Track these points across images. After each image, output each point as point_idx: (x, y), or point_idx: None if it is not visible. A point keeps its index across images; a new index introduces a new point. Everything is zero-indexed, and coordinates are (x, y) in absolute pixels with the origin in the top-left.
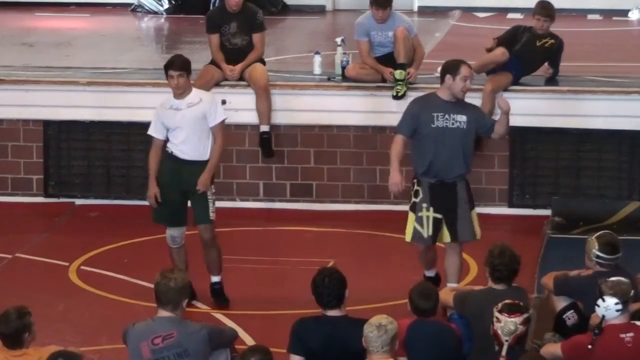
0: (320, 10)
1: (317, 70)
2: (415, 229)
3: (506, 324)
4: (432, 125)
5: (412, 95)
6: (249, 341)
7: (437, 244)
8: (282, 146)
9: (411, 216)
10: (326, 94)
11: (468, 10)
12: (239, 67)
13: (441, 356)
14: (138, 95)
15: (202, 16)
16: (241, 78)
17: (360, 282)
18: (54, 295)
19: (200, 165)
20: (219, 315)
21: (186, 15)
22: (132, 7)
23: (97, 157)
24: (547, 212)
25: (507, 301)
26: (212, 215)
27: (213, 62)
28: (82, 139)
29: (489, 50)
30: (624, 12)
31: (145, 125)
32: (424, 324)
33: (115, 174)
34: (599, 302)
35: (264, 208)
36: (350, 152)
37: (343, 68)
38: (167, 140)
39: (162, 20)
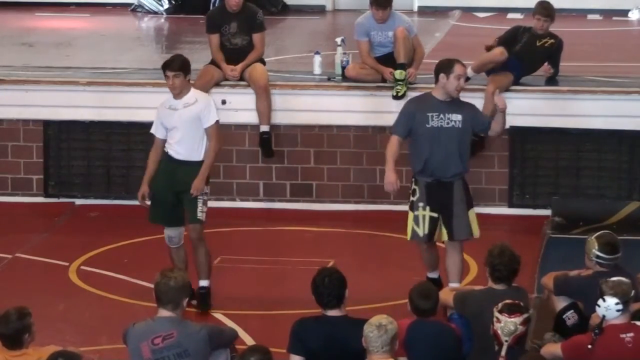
0: (320, 10)
1: (317, 70)
2: (413, 229)
3: (506, 324)
4: (427, 125)
5: (412, 95)
6: (249, 341)
7: (438, 244)
8: (282, 146)
9: (410, 215)
10: (326, 94)
11: (468, 10)
12: (239, 67)
13: (441, 356)
14: (138, 95)
15: (202, 16)
16: (241, 78)
17: (360, 282)
18: (54, 295)
19: (194, 166)
20: (219, 315)
21: (186, 15)
22: (132, 7)
23: (97, 157)
24: (547, 212)
25: (507, 301)
26: (200, 215)
27: (213, 62)
28: (82, 139)
29: (489, 47)
30: (624, 12)
31: (145, 125)
32: (424, 324)
33: (115, 174)
34: (600, 302)
35: (264, 208)
36: (350, 152)
37: (343, 68)
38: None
39: (162, 20)
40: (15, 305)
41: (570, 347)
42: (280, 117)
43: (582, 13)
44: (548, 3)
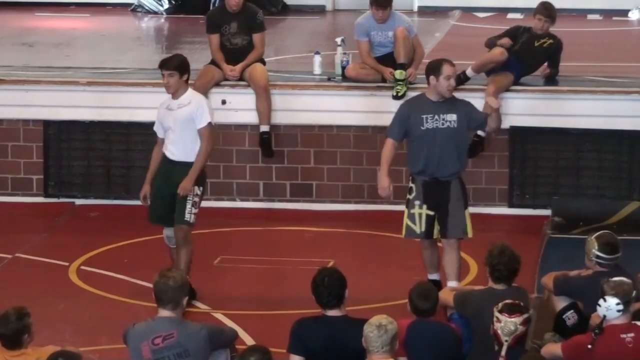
0: (320, 10)
1: (317, 70)
2: (407, 225)
3: (506, 324)
4: (422, 128)
5: (412, 95)
6: (249, 341)
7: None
8: (282, 146)
9: (405, 212)
10: (326, 94)
11: (468, 10)
12: (239, 67)
13: (441, 356)
14: (138, 95)
15: (202, 16)
16: (241, 78)
17: (360, 282)
18: (54, 295)
19: (188, 167)
20: (219, 315)
21: (186, 15)
22: (132, 7)
23: (97, 157)
24: (547, 212)
25: (507, 301)
26: (187, 217)
27: (213, 62)
28: (82, 139)
29: (498, 38)
30: (624, 12)
31: (145, 125)
32: (424, 324)
33: (115, 174)
34: (600, 302)
35: (264, 208)
36: (350, 152)
37: (343, 68)
38: None
39: (162, 20)
40: (15, 305)
41: (570, 347)
42: (280, 117)
43: (582, 13)
44: (550, 4)
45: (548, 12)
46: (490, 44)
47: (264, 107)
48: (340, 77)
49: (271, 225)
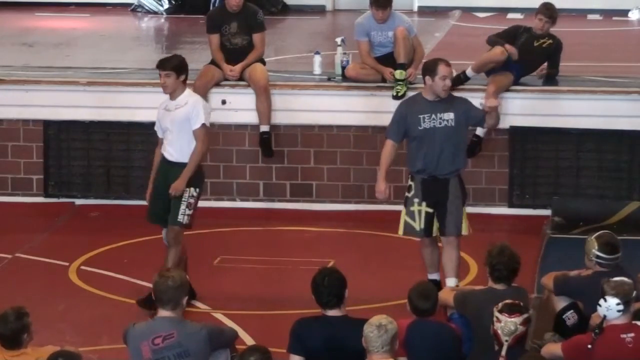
0: (320, 10)
1: (317, 70)
2: (406, 222)
3: (506, 324)
4: (420, 127)
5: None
6: (249, 341)
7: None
8: (282, 146)
9: (403, 210)
10: (326, 94)
11: (468, 10)
12: (238, 67)
13: (441, 356)
14: (138, 95)
15: (202, 16)
16: (241, 78)
17: (360, 282)
18: (54, 295)
19: (184, 168)
20: (219, 315)
21: (186, 15)
22: (132, 7)
23: (97, 157)
24: (547, 212)
25: (507, 301)
26: (180, 218)
27: (213, 62)
28: (82, 139)
29: (498, 36)
30: (624, 12)
31: (145, 125)
32: (424, 324)
33: (115, 174)
34: (601, 302)
35: (264, 208)
36: (350, 152)
37: (343, 68)
38: None
39: (162, 20)
40: (14, 305)
41: (570, 347)
42: (280, 117)
43: (582, 13)
44: (552, 5)
45: (550, 12)
46: (491, 41)
47: (264, 107)
48: (340, 77)
49: (271, 225)
